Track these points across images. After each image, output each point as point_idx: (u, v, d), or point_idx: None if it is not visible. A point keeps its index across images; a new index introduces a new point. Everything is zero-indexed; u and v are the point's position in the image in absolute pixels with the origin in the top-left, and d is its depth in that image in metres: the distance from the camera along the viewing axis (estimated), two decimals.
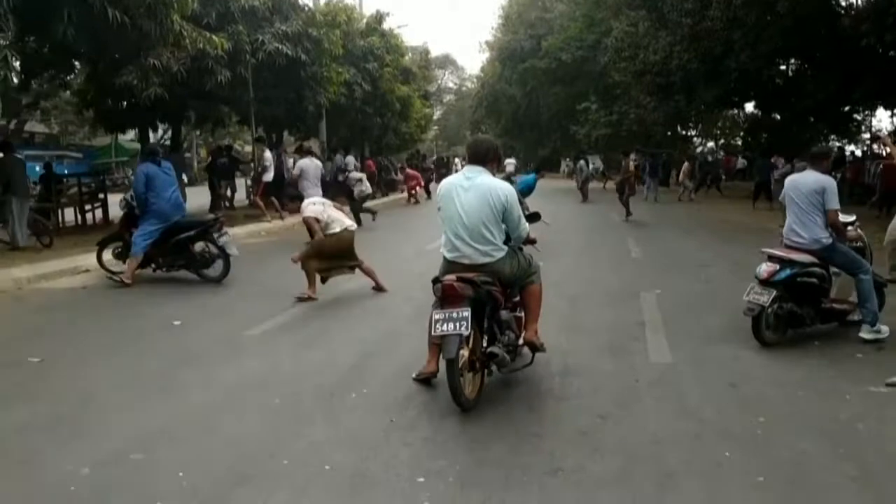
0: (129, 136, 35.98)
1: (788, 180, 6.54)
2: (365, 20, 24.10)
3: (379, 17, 24.56)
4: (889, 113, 35.04)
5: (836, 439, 4.17)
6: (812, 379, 5.33)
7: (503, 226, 4.90)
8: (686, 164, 28.36)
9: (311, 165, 13.64)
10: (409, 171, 25.78)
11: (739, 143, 52.20)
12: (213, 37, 12.58)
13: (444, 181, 5.20)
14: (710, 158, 41.66)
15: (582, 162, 30.61)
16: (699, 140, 57.69)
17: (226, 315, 7.64)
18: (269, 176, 16.45)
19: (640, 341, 6.47)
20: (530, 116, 58.76)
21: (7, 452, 4.02)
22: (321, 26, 16.82)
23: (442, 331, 4.47)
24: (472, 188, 4.84)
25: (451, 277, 4.63)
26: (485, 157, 5.01)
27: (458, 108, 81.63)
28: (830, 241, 6.12)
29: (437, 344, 4.83)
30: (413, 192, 24.42)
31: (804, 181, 6.25)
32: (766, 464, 3.82)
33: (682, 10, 25.65)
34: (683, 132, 50.75)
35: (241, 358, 5.93)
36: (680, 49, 26.27)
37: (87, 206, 16.22)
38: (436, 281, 4.72)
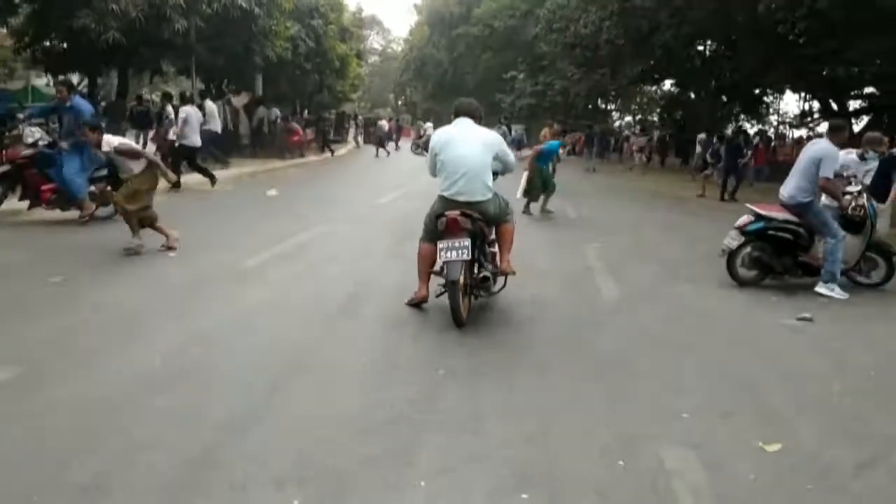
0: (42, 81, 34.75)
1: (807, 146, 7.47)
2: None
3: None
4: (796, 97, 37.34)
5: (752, 349, 5.28)
6: (738, 310, 6.47)
7: (497, 164, 5.78)
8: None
9: (193, 113, 13.76)
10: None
11: (655, 119, 54.46)
12: None
13: (440, 131, 6.00)
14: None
15: (504, 129, 27.91)
16: (618, 115, 59.75)
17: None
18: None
19: (590, 281, 7.47)
20: (456, 82, 59.18)
21: (73, 351, 4.60)
22: None
23: (447, 257, 5.30)
24: (470, 137, 5.69)
25: (454, 212, 5.44)
26: (474, 113, 5.93)
27: (383, 71, 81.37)
28: (808, 201, 7.03)
29: (428, 273, 5.69)
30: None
31: (811, 148, 7.23)
32: (702, 364, 4.87)
33: None
34: (603, 106, 52.59)
35: (245, 286, 6.56)
36: (610, 24, 27.45)
37: None
38: (439, 216, 5.53)
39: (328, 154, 25.39)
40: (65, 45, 16.82)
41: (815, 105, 34.36)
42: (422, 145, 30.12)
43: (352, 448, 3.33)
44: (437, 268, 5.65)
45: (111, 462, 3.08)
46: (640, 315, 6.18)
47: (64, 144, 9.07)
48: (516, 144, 24.51)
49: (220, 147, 18.51)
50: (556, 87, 43.53)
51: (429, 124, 36.29)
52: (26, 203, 9.30)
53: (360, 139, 36.61)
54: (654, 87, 48.80)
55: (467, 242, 5.33)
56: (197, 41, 15.63)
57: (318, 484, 2.99)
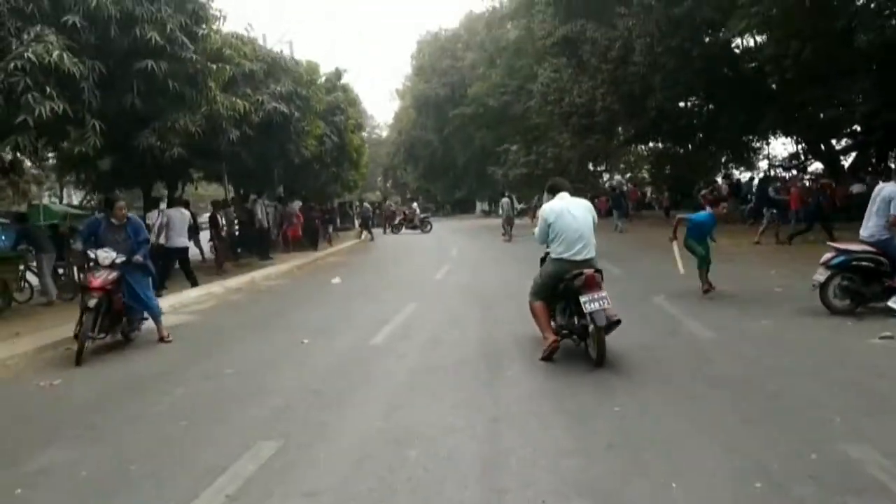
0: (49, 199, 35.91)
1: (877, 188, 8.53)
2: (325, 76, 25.59)
3: (338, 74, 26.27)
4: (783, 140, 38.73)
5: (861, 365, 6.13)
6: (825, 336, 7.35)
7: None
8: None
9: (176, 216, 14.25)
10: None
11: (646, 175, 56.15)
12: (237, 100, 13.95)
13: (550, 206, 7.05)
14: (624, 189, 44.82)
15: (505, 199, 30.10)
16: (608, 175, 61.47)
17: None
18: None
19: (680, 325, 8.31)
20: (447, 160, 61.32)
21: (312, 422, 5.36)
22: (307, 85, 18.38)
23: (591, 308, 6.28)
24: (577, 206, 6.93)
25: (589, 271, 6.46)
26: (569, 189, 7.28)
27: (370, 155, 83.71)
28: (886, 237, 8.13)
29: (549, 324, 6.87)
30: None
31: (883, 191, 8.27)
32: (829, 384, 5.70)
33: (603, 57, 28.55)
34: (594, 168, 54.27)
35: (393, 359, 7.34)
36: (603, 92, 29.01)
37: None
38: (561, 277, 6.68)
39: (347, 242, 26.41)
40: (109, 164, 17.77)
41: (802, 147, 35.85)
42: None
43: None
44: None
45: None
46: (742, 348, 7.01)
47: (139, 258, 8.37)
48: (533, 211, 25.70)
49: (264, 245, 19.51)
50: (549, 155, 45.29)
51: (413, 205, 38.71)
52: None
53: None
54: (641, 146, 50.66)
55: (605, 293, 6.28)
56: (243, 147, 16.69)
57: None
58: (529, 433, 4.83)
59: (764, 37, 20.23)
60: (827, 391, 5.46)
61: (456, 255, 20.33)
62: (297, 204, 24.32)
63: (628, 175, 60.49)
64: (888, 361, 6.25)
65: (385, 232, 35.76)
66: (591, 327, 6.42)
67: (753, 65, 26.52)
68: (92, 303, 7.69)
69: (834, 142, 31.39)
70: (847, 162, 32.10)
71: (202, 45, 12.61)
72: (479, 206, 69.28)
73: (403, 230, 36.59)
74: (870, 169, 27.51)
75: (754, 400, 5.33)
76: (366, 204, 37.28)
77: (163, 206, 16.09)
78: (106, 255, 8.03)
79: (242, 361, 7.56)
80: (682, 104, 33.44)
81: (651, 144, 48.19)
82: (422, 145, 61.49)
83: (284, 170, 22.27)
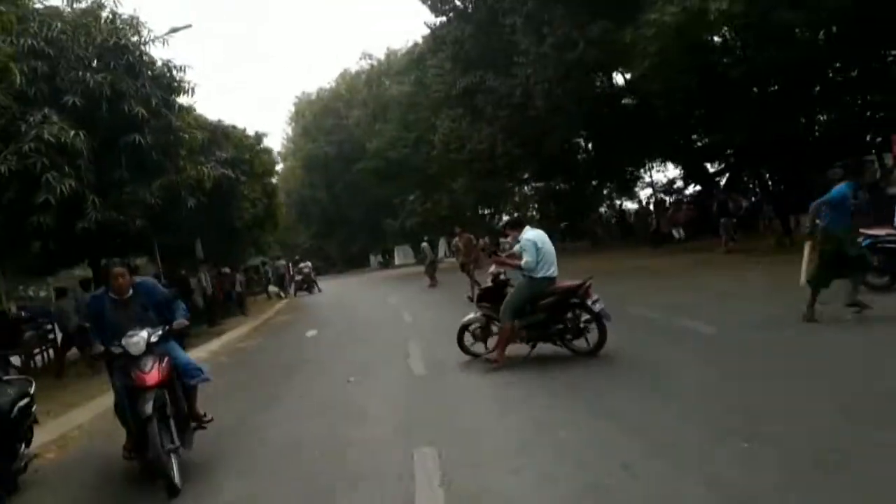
0: None
1: None
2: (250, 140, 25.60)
3: (259, 137, 26.33)
4: (660, 168, 41.80)
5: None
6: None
7: None
8: None
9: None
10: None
11: (534, 213, 58.82)
12: (201, 167, 14.19)
13: (535, 233, 8.42)
14: None
15: (425, 244, 28.64)
16: (496, 217, 63.67)
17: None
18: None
19: (690, 331, 9.46)
20: (339, 217, 61.83)
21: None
22: (248, 150, 18.75)
23: (599, 307, 7.98)
24: (544, 234, 8.50)
25: (588, 281, 8.17)
26: (525, 223, 9.08)
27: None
28: None
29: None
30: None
31: None
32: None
33: (499, 104, 30.41)
34: (484, 211, 56.31)
35: (446, 384, 8.05)
36: (502, 137, 30.78)
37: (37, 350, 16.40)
38: (537, 295, 8.13)
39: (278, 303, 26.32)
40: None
41: (681, 172, 38.93)
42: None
43: None
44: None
45: None
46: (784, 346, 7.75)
47: (183, 322, 6.33)
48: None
49: (213, 312, 19.50)
50: (444, 203, 47.00)
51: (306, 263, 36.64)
52: None
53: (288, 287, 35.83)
54: (526, 187, 53.17)
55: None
56: (197, 215, 16.67)
57: None
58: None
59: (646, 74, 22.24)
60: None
61: (385, 291, 20.98)
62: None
63: (515, 214, 63.20)
64: None
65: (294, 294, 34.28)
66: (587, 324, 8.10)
67: (634, 101, 29.19)
68: (149, 407, 5.23)
69: (707, 165, 34.48)
70: (722, 181, 34.99)
71: (177, 117, 12.91)
72: (372, 259, 70.04)
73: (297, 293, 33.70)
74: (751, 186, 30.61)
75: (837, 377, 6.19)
76: (279, 262, 36.47)
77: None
78: (136, 340, 5.51)
79: (321, 407, 7.96)
80: (574, 142, 36.06)
81: (538, 184, 50.70)
82: (312, 203, 61.72)
83: (218, 236, 22.21)
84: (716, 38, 24.37)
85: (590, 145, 37.29)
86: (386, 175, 44.28)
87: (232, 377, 10.71)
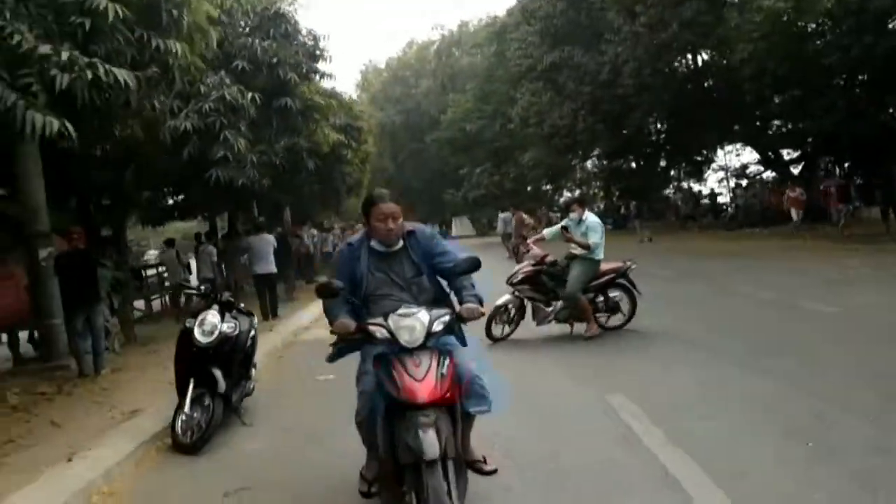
0: None
1: None
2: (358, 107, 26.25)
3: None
4: (728, 151, 41.60)
5: None
6: None
7: None
8: None
9: (259, 242, 14.36)
10: None
11: (596, 191, 58.75)
12: (329, 132, 14.97)
13: (595, 217, 9.05)
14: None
15: (506, 214, 27.09)
16: (557, 193, 63.75)
17: None
18: None
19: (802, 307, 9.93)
20: (401, 186, 62.79)
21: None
22: (357, 118, 19.49)
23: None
24: None
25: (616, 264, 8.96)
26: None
27: None
28: None
29: None
30: None
31: None
32: None
33: (581, 80, 30.73)
34: (545, 186, 56.55)
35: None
36: (584, 113, 31.12)
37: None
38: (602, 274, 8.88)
39: None
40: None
41: (754, 157, 38.66)
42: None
43: None
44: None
45: None
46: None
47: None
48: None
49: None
50: (511, 176, 47.43)
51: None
52: None
53: None
54: (588, 163, 53.22)
55: None
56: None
57: None
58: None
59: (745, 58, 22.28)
60: None
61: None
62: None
63: (577, 192, 63.25)
64: None
65: None
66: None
67: (718, 83, 29.12)
68: (431, 443, 3.24)
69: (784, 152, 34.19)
70: (796, 171, 34.58)
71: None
72: (429, 228, 70.66)
73: None
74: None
75: None
76: (358, 226, 37.78)
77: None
78: (410, 324, 3.44)
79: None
80: (648, 121, 36.13)
81: (607, 162, 50.66)
82: (378, 171, 62.70)
83: (321, 199, 23.14)
84: (810, 25, 24.30)
85: (660, 125, 37.32)
86: (459, 146, 44.83)
87: None
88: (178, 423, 5.81)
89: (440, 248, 3.99)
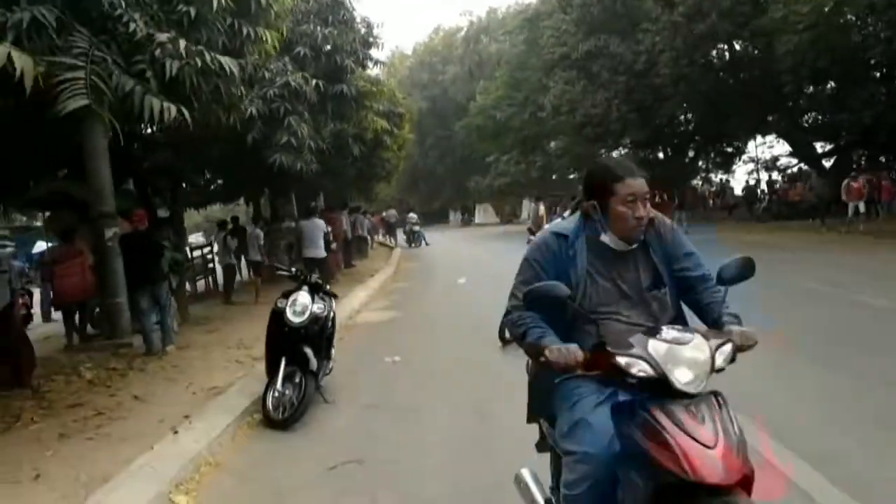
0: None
1: None
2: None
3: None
4: (759, 143, 41.31)
5: None
6: None
7: None
8: None
9: (310, 226, 14.48)
10: None
11: None
12: (379, 119, 15.17)
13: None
14: None
15: (534, 205, 25.82)
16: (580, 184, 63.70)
17: None
18: None
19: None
20: (425, 172, 62.87)
21: None
22: (398, 104, 19.68)
23: None
24: None
25: None
26: None
27: None
28: None
29: None
30: None
31: None
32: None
33: (615, 70, 30.67)
34: (571, 175, 56.50)
35: None
36: (618, 102, 31.05)
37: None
38: None
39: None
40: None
41: (785, 149, 38.41)
42: None
43: None
44: None
45: None
46: None
47: None
48: None
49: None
50: (538, 164, 47.34)
51: (412, 215, 39.90)
52: None
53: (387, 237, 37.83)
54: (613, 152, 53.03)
55: None
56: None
57: None
58: None
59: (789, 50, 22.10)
60: None
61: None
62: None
63: None
64: None
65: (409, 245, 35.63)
66: None
67: (755, 74, 28.89)
68: None
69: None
70: (828, 164, 34.25)
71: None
72: (451, 215, 71.31)
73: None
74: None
75: None
76: (390, 212, 39.22)
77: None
78: (690, 355, 2.25)
79: None
80: (679, 112, 35.94)
81: (637, 151, 50.39)
82: (405, 158, 62.89)
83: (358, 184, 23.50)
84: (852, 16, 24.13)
85: (690, 115, 36.98)
86: (488, 133, 44.84)
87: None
88: (270, 400, 6.04)
89: (685, 247, 2.82)
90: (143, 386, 7.74)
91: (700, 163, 47.85)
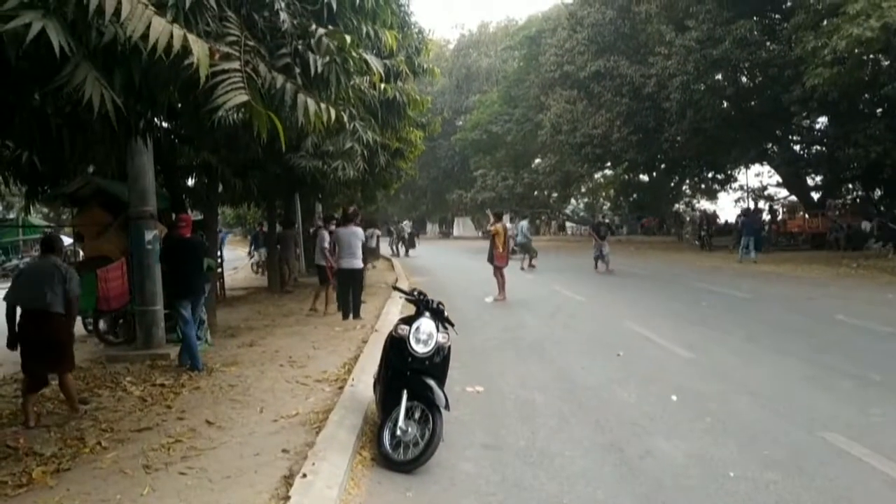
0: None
1: None
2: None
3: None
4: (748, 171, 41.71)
5: None
6: None
7: None
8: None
9: (347, 234, 13.32)
10: None
11: (603, 202, 58.69)
12: (418, 132, 14.62)
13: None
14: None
15: (524, 223, 25.74)
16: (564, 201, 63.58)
17: None
18: None
19: None
20: (408, 183, 62.43)
21: None
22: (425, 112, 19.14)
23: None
24: None
25: None
26: None
27: None
28: None
29: None
30: None
31: None
32: None
33: (618, 91, 30.58)
34: (553, 194, 56.32)
35: None
36: (619, 124, 30.95)
37: None
38: None
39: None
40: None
41: (775, 180, 38.77)
42: None
43: None
44: None
45: None
46: None
47: None
48: None
49: None
50: (525, 181, 47.28)
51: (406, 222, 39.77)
52: None
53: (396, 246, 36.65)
54: (598, 175, 53.09)
55: None
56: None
57: None
58: None
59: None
60: None
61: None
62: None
63: (585, 201, 63.21)
64: None
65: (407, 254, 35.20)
66: None
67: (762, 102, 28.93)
68: None
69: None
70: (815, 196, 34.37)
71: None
72: (429, 227, 71.12)
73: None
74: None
75: None
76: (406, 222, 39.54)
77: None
78: None
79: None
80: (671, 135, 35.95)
81: (609, 172, 50.52)
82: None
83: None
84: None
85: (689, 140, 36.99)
86: (483, 147, 44.72)
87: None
88: (387, 437, 5.44)
89: None
90: (209, 408, 7.09)
91: (685, 188, 48.35)
